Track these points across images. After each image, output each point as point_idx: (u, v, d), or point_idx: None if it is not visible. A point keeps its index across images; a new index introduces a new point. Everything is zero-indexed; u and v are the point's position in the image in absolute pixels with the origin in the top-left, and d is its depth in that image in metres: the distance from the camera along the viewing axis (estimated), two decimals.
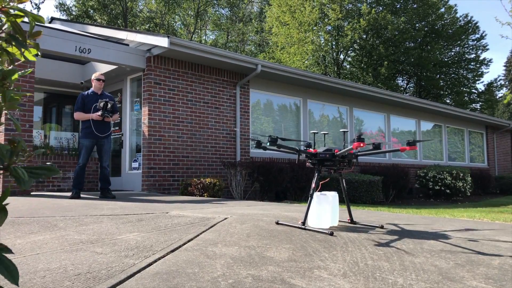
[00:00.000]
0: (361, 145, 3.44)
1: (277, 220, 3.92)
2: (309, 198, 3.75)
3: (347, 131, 4.19)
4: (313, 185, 3.80)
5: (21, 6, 1.16)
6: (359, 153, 4.00)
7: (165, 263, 2.50)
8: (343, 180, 4.15)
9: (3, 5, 1.12)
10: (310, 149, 4.01)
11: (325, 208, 3.69)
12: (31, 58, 1.28)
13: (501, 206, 9.73)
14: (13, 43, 1.16)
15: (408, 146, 3.66)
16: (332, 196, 3.79)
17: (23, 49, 1.22)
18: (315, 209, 3.71)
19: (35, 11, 23.90)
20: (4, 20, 1.15)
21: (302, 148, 4.06)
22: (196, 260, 2.57)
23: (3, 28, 1.14)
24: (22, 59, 1.27)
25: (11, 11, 1.13)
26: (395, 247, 3.06)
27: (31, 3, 22.93)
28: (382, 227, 3.96)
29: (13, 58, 1.19)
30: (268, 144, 3.67)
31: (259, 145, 3.88)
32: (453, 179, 13.11)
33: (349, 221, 4.10)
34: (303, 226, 3.63)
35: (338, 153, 3.82)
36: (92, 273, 2.28)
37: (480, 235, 3.73)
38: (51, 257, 2.58)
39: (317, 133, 4.68)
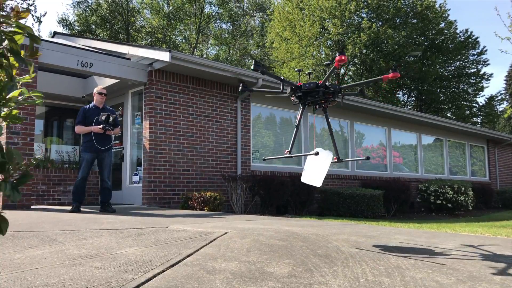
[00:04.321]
0: (343, 58, 3.45)
1: (264, 157, 4.32)
2: (295, 129, 4.05)
3: (330, 63, 4.27)
4: (298, 116, 4.06)
5: (22, 21, 1.17)
6: (343, 86, 4.07)
7: (164, 278, 2.48)
8: (328, 117, 4.21)
9: (1, 20, 1.13)
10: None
11: (318, 164, 3.80)
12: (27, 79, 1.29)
13: (503, 221, 9.66)
14: (10, 57, 1.17)
15: (390, 74, 3.72)
16: (327, 153, 3.89)
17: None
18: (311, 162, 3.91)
19: (36, 25, 24.09)
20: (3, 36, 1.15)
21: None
22: (195, 275, 2.55)
23: (4, 44, 1.15)
24: (30, 74, 1.27)
25: (10, 27, 1.14)
26: (396, 262, 3.03)
27: (33, 16, 23.07)
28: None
29: (11, 74, 1.19)
30: (252, 67, 3.77)
31: (244, 89, 4.27)
32: (455, 193, 13.04)
33: (336, 159, 4.10)
34: (289, 155, 3.97)
35: (321, 83, 3.91)
36: None
37: (482, 250, 3.70)
38: (50, 272, 2.56)
39: (301, 70, 4.77)
